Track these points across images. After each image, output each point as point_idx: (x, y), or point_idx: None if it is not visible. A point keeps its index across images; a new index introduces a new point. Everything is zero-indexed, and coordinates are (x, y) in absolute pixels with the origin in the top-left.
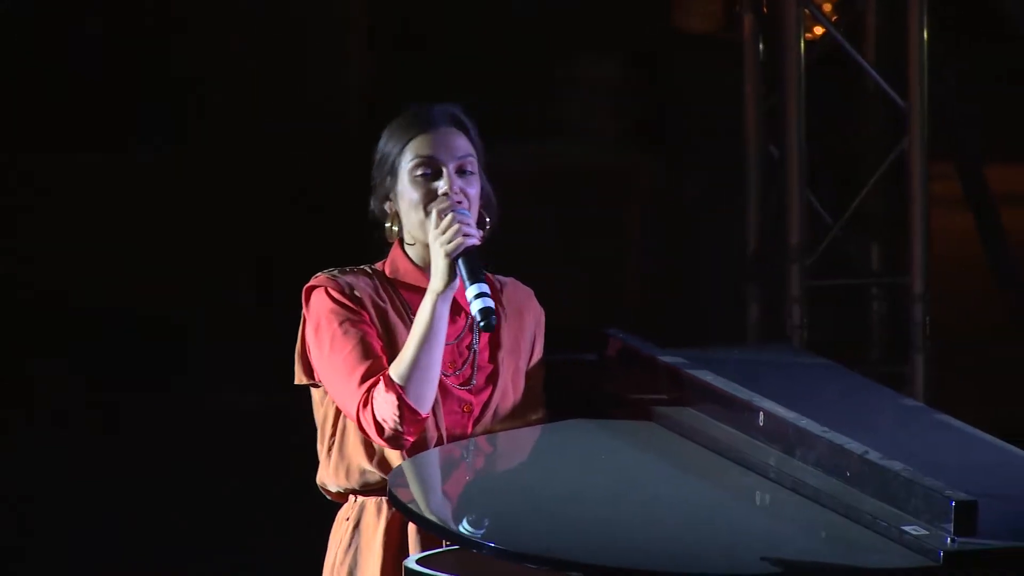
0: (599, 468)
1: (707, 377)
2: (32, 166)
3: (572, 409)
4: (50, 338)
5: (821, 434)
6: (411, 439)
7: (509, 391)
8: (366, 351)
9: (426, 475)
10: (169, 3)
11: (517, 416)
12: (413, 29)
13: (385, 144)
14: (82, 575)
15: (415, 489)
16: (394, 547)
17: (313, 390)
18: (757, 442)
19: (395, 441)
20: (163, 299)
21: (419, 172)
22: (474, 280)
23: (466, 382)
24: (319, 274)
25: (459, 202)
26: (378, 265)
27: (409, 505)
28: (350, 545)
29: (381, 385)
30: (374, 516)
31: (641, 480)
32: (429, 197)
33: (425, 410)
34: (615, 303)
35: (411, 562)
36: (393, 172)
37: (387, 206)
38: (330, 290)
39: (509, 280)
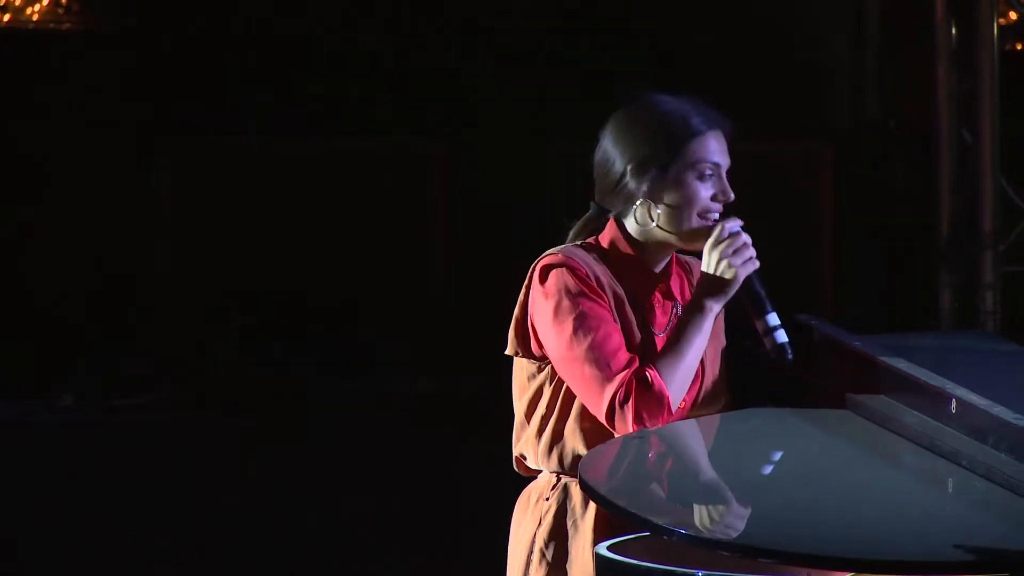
0: (791, 455)
1: (900, 364)
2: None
3: (764, 396)
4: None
5: (1014, 421)
6: None
7: (709, 379)
8: (616, 341)
9: (615, 462)
10: None
11: (714, 403)
12: None
13: (649, 140)
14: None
15: (605, 476)
16: (602, 537)
17: (521, 361)
18: (950, 429)
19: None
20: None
21: (698, 174)
22: (768, 309)
23: None
24: (554, 251)
25: (741, 223)
26: (591, 241)
27: (600, 491)
28: (554, 528)
29: (651, 382)
30: (581, 503)
31: (834, 467)
32: (708, 200)
33: (675, 411)
34: (807, 289)
35: (602, 548)
36: (663, 169)
37: (640, 199)
38: (574, 269)
39: (694, 261)
